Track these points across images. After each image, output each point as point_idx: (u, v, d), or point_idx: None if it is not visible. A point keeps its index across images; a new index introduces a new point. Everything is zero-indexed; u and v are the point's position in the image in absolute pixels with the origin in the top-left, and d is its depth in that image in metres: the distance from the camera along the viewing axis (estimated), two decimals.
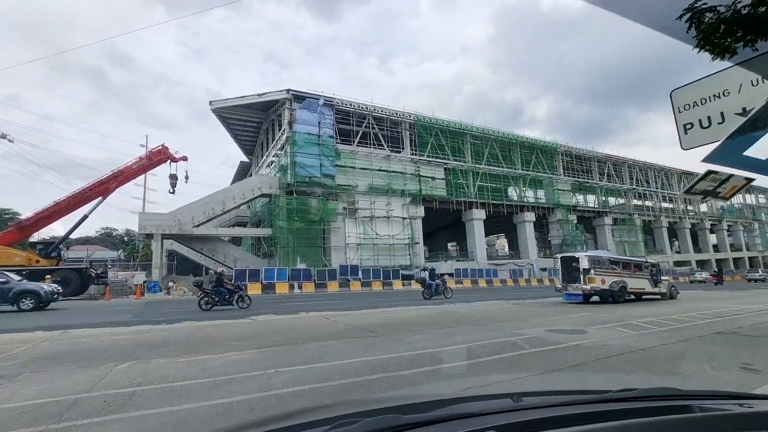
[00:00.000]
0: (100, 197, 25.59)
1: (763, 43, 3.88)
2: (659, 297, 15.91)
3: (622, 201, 48.95)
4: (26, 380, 4.37)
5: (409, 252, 32.20)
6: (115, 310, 14.28)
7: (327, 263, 28.95)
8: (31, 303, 13.85)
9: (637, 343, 6.21)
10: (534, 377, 4.30)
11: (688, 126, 4.42)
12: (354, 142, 32.54)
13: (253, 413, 3.27)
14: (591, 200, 47.12)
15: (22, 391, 3.94)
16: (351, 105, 32.38)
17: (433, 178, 34.98)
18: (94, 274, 23.09)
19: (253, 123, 39.16)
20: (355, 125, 32.83)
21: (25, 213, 29.26)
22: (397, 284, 27.84)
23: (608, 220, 45.96)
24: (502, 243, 63.19)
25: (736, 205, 64.30)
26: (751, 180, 2.82)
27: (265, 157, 39.25)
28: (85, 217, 25.95)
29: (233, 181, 49.65)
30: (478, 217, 36.68)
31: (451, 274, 31.66)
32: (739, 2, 3.88)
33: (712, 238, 58.72)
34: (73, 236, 29.86)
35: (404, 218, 32.54)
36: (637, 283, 15.11)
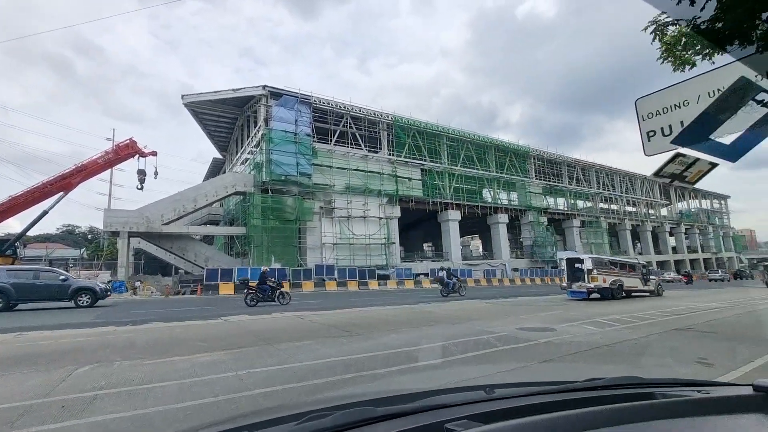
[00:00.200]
0: (62, 192, 24.29)
1: (719, 57, 4.14)
2: (648, 294, 17.58)
3: (589, 204, 50.93)
4: None
5: (385, 252, 32.25)
6: (76, 311, 13.56)
7: (302, 263, 28.58)
8: (88, 299, 14.70)
9: (602, 339, 6.48)
10: (505, 373, 4.41)
11: (651, 133, 4.66)
12: (331, 141, 32.29)
13: (222, 415, 3.19)
14: (561, 203, 48.80)
15: None
16: (329, 104, 32.11)
17: (409, 179, 35.20)
18: None
19: (227, 119, 38.16)
20: (333, 124, 32.59)
21: None
22: (373, 284, 27.84)
23: (576, 222, 47.71)
24: (476, 244, 64.35)
25: (693, 210, 68.30)
26: (714, 165, 2.99)
27: (239, 154, 38.32)
28: (45, 213, 24.57)
29: (206, 178, 48.21)
30: (453, 218, 37.22)
31: (426, 274, 31.97)
32: (698, 18, 4.12)
33: (671, 241, 62.06)
34: (31, 233, 28.21)
35: (381, 218, 32.58)
36: (631, 282, 16.86)
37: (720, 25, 4.01)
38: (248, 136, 35.02)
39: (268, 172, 28.04)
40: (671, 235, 61.77)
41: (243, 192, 29.24)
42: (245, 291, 14.17)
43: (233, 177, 30.88)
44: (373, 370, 4.57)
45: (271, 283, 14.32)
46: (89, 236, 67.36)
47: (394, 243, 33.07)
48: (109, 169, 32.61)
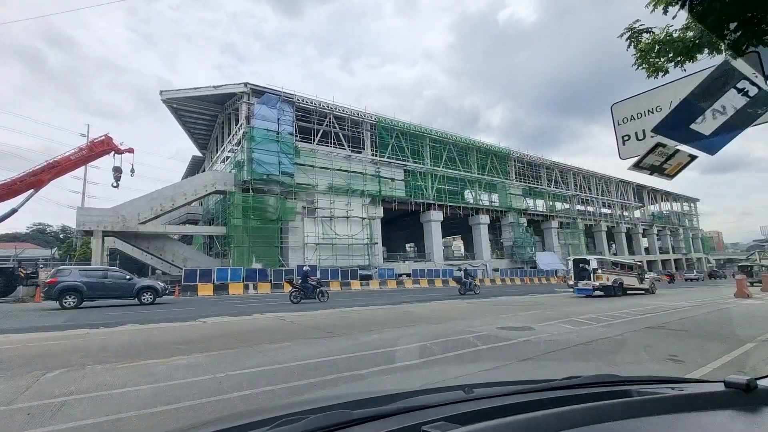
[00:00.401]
0: (32, 190, 23.28)
1: (691, 65, 4.31)
2: (643, 292, 19.14)
3: (567, 206, 52.21)
4: None
5: (367, 252, 32.21)
6: (46, 313, 12.99)
7: (284, 263, 28.24)
8: (151, 297, 15.74)
9: (578, 338, 6.64)
10: (485, 372, 4.46)
11: (626, 138, 4.81)
12: (314, 140, 32.03)
13: (198, 419, 3.10)
14: (540, 205, 49.84)
15: None
16: (312, 102, 31.84)
17: (392, 179, 35.27)
18: (22, 275, 20.91)
19: (207, 116, 37.34)
20: (316, 123, 32.33)
21: None
22: (356, 284, 27.75)
23: (555, 223, 48.85)
24: (458, 244, 65.01)
25: (664, 212, 70.97)
26: (694, 157, 3.09)
27: (219, 153, 37.56)
28: (14, 210, 23.50)
29: (185, 177, 47.05)
30: (435, 218, 37.50)
31: (408, 275, 32.09)
32: (671, 26, 4.28)
33: (644, 242, 64.32)
34: None
35: (364, 218, 32.52)
36: (630, 280, 18.68)
37: (690, 34, 4.18)
38: (229, 134, 34.37)
39: (250, 171, 27.58)
40: (644, 236, 64.04)
41: (223, 191, 28.66)
42: (290, 289, 15.17)
43: (213, 175, 30.21)
44: (354, 370, 4.55)
45: (312, 282, 15.18)
46: (61, 236, 64.70)
47: (376, 243, 33.06)
48: (83, 166, 31.49)
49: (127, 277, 15.82)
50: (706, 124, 2.43)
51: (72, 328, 8.65)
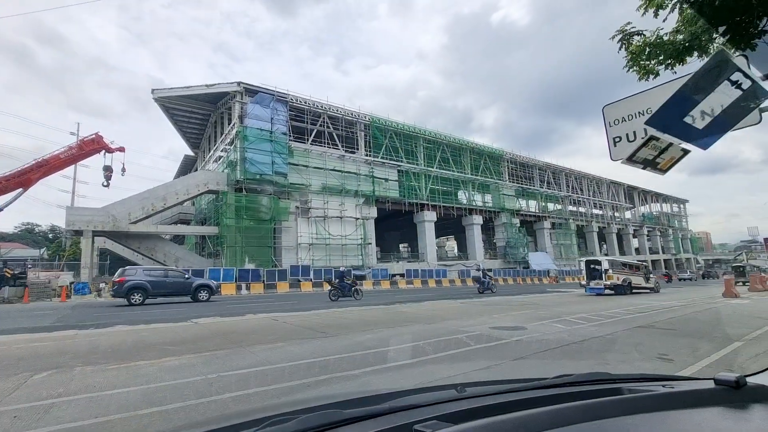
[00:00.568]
0: (20, 189, 22.90)
1: (681, 67, 4.37)
2: (648, 291, 20.19)
3: (559, 207, 52.68)
4: None
5: (361, 252, 32.18)
6: (34, 314, 12.78)
7: (277, 263, 28.09)
8: (207, 294, 16.79)
9: (570, 337, 6.69)
10: (478, 371, 4.48)
11: (617, 139, 4.86)
12: (308, 140, 31.92)
13: (189, 420, 3.07)
14: (533, 205, 50.24)
15: None
16: (306, 102, 31.74)
17: (386, 180, 35.28)
18: (9, 275, 20.53)
19: (199, 115, 37.05)
20: (310, 123, 32.24)
21: None
22: None
23: (547, 224, 49.25)
24: (451, 245, 65.21)
25: (654, 213, 71.92)
26: (687, 151, 3.11)
27: (212, 152, 37.26)
28: (0, 210, 23.03)
29: (177, 176, 46.60)
30: (429, 218, 37.58)
31: (402, 275, 32.13)
32: (661, 29, 4.34)
33: (635, 242, 65.11)
34: None
35: (357, 219, 32.49)
36: (637, 280, 19.74)
37: (680, 37, 4.24)
38: (222, 134, 34.12)
39: (243, 171, 27.41)
40: (634, 236, 64.83)
41: (216, 191, 28.44)
42: (329, 288, 16.41)
43: (205, 175, 29.97)
44: (346, 371, 4.53)
45: (348, 281, 16.37)
46: (50, 235, 63.69)
47: (370, 243, 33.05)
48: (73, 165, 31.03)
49: (186, 276, 16.88)
50: (698, 118, 2.46)
51: (61, 329, 8.52)
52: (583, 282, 19.66)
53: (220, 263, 26.67)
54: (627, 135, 4.83)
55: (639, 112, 4.83)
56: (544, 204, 50.50)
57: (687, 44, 4.15)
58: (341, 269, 17.47)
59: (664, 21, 4.00)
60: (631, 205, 67.46)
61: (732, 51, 2.87)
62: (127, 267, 17.19)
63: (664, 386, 1.09)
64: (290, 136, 30.44)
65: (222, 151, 33.04)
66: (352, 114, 34.18)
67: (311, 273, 27.15)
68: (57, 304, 17.78)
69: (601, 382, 1.17)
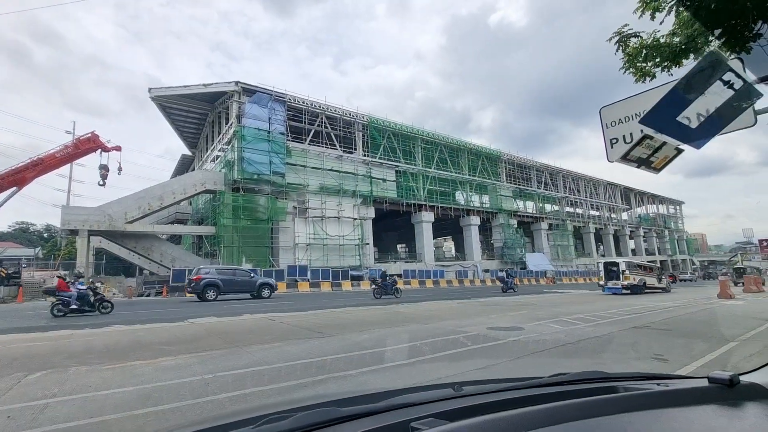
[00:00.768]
0: (15, 187, 22.78)
1: (677, 69, 4.40)
2: (661, 290, 21.47)
3: (556, 208, 52.83)
4: None
5: (358, 253, 32.15)
6: (29, 314, 12.70)
7: (274, 263, 28.02)
8: (268, 292, 18.13)
9: (567, 337, 6.71)
10: (475, 371, 4.49)
11: (614, 141, 4.89)
12: (306, 140, 31.87)
13: (184, 420, 3.06)
14: (530, 206, 50.33)
15: None
16: (303, 102, 31.69)
17: (384, 180, 35.27)
18: (4, 274, 20.42)
19: (197, 114, 36.93)
20: (308, 123, 32.19)
21: None
22: (347, 285, 27.69)
23: (544, 225, 49.37)
24: (449, 245, 65.29)
25: (651, 214, 72.27)
26: (680, 150, 3.12)
27: (209, 151, 37.15)
28: None
29: (173, 175, 46.41)
30: (427, 219, 37.59)
31: (400, 275, 32.04)
32: (658, 31, 4.36)
33: (631, 243, 65.38)
34: None
35: (355, 219, 32.45)
36: (651, 280, 20.95)
37: (677, 39, 4.27)
38: (219, 133, 34.02)
39: (240, 171, 27.33)
40: (631, 238, 65.09)
41: (213, 190, 28.35)
42: (373, 286, 17.52)
43: (203, 174, 29.86)
44: (343, 371, 4.53)
45: (389, 281, 17.54)
46: (45, 235, 63.29)
47: (368, 244, 33.02)
48: (69, 164, 30.85)
49: (251, 275, 18.06)
50: (692, 118, 2.47)
51: (56, 329, 8.47)
52: (602, 282, 20.65)
53: (217, 263, 26.57)
54: (624, 137, 4.85)
55: (636, 114, 4.85)
56: (541, 205, 50.63)
57: (683, 47, 4.17)
58: (383, 269, 18.90)
59: (660, 23, 4.02)
60: (628, 207, 67.74)
61: (727, 54, 2.89)
62: (201, 266, 18.47)
63: (659, 384, 1.09)
64: (288, 136, 30.38)
65: (219, 150, 32.94)
66: (350, 114, 34.16)
67: (308, 273, 27.09)
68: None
69: (596, 380, 1.17)
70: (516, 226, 45.39)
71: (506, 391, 1.04)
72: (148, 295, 22.43)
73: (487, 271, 39.59)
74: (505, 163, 46.83)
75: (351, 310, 12.00)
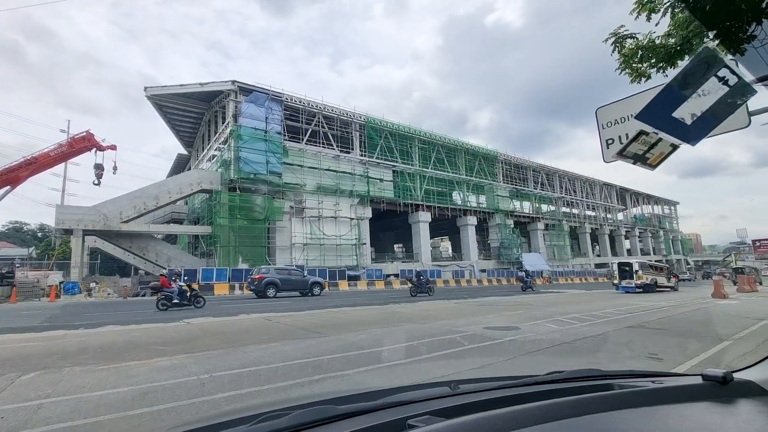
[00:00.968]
0: (8, 186, 22.58)
1: (672, 70, 4.43)
2: (670, 289, 22.35)
3: (553, 208, 53.04)
4: None
5: (356, 253, 32.13)
6: (22, 314, 12.60)
7: (271, 263, 27.93)
8: (319, 290, 19.50)
9: (563, 336, 6.74)
10: (471, 370, 4.50)
11: (610, 141, 4.91)
12: (303, 140, 31.81)
13: (179, 421, 3.04)
14: (526, 206, 50.51)
15: None
16: (300, 102, 31.63)
17: (381, 180, 35.27)
18: None
19: (193, 113, 36.76)
20: (305, 123, 32.14)
21: None
22: (343, 285, 27.65)
23: (541, 225, 49.56)
24: (446, 245, 65.35)
25: (646, 215, 72.72)
26: (676, 147, 3.13)
27: (206, 151, 37.00)
28: None
29: (169, 175, 46.17)
30: (424, 219, 37.63)
31: (396, 275, 32.13)
32: (653, 33, 4.39)
33: (627, 243, 65.78)
34: None
35: (352, 219, 32.43)
36: (661, 279, 22.01)
37: (672, 41, 4.30)
38: (215, 132, 33.90)
39: (237, 170, 27.24)
40: (626, 238, 65.50)
41: (209, 190, 28.23)
42: (409, 285, 18.68)
43: (199, 174, 29.74)
44: (340, 370, 4.53)
45: (424, 280, 18.66)
46: (39, 234, 62.79)
47: (365, 244, 33.01)
48: (63, 163, 30.65)
49: (304, 274, 19.53)
50: (687, 113, 2.49)
51: (50, 329, 8.40)
52: (616, 281, 21.69)
53: (213, 263, 26.48)
54: (620, 137, 4.88)
55: (631, 115, 4.88)
56: (537, 205, 50.81)
57: (678, 48, 4.20)
58: (418, 270, 20.81)
59: (656, 25, 4.05)
60: (623, 207, 68.13)
61: (723, 55, 2.91)
62: (261, 267, 19.95)
63: (653, 382, 1.10)
64: (285, 135, 30.31)
65: (216, 150, 32.82)
66: (347, 114, 34.13)
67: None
68: (46, 304, 17.56)
69: (591, 378, 1.18)
70: (512, 226, 45.54)
71: (502, 389, 1.04)
72: (144, 295, 22.30)
73: (483, 271, 39.68)
74: (502, 163, 46.97)
75: (347, 310, 11.99)
